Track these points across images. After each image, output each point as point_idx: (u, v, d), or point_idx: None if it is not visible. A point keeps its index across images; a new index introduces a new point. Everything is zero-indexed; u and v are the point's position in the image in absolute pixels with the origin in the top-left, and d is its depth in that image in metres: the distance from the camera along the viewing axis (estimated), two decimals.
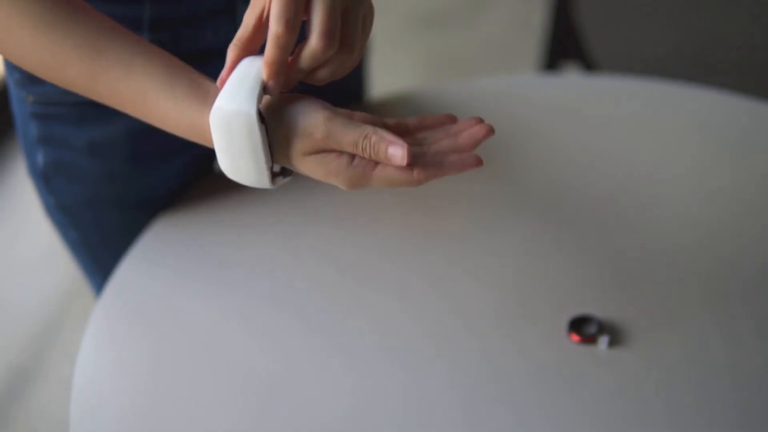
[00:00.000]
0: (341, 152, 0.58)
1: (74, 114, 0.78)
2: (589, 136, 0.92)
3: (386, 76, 2.13)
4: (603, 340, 0.70)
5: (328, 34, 0.57)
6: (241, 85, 0.57)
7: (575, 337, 0.70)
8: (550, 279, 0.76)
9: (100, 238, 0.89)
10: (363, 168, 0.58)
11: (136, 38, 0.63)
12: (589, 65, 1.46)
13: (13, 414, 1.56)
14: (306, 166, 0.59)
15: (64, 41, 0.61)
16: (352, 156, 0.58)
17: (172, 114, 0.61)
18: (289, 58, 0.58)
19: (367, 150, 0.57)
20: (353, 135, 0.57)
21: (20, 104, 0.81)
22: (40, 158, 0.83)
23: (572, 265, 0.77)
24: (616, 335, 0.71)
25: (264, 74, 0.58)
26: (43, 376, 1.62)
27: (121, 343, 0.75)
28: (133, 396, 0.70)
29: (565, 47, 1.61)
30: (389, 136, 0.57)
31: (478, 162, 0.58)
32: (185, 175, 0.87)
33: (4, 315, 1.75)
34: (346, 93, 1.00)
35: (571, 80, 1.09)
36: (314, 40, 0.57)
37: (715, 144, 0.90)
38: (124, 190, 0.85)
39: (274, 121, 0.59)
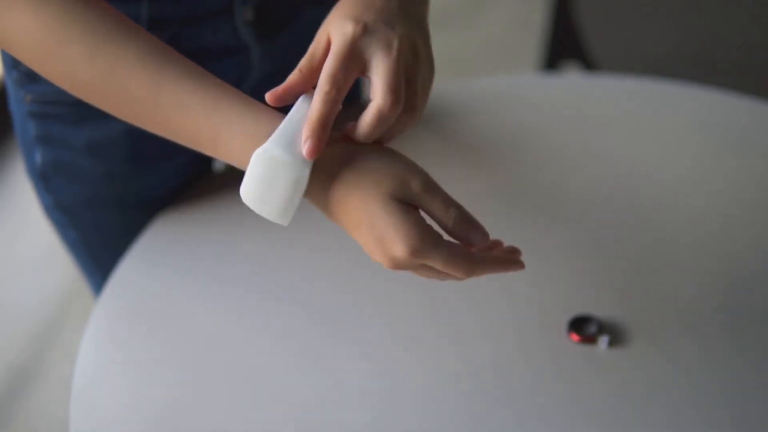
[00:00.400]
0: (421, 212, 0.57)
1: (73, 113, 0.78)
2: (589, 135, 0.92)
3: None
4: (603, 340, 0.70)
5: (394, 93, 0.57)
6: (298, 133, 0.56)
7: (575, 337, 0.70)
8: (550, 279, 0.76)
9: (99, 237, 0.89)
10: (437, 238, 0.56)
11: (189, 63, 0.62)
12: (589, 65, 1.46)
13: (13, 413, 1.56)
14: (380, 213, 0.56)
15: (124, 53, 0.60)
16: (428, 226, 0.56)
17: (222, 135, 0.59)
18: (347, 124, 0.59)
19: (452, 221, 0.57)
20: (448, 198, 0.57)
21: (18, 103, 0.81)
22: (38, 158, 0.83)
23: (572, 264, 0.77)
24: (616, 335, 0.71)
25: (305, 133, 0.56)
26: (43, 376, 1.62)
27: (121, 342, 0.75)
28: (133, 395, 0.70)
29: (565, 47, 1.61)
30: (476, 221, 0.57)
31: (521, 265, 0.59)
32: (185, 174, 0.87)
33: (4, 315, 1.75)
34: None
35: (571, 80, 1.09)
36: (380, 99, 0.57)
37: (715, 144, 0.90)
38: (124, 189, 0.85)
39: (343, 166, 0.57)
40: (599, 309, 0.73)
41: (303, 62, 0.60)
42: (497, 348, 0.71)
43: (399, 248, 0.55)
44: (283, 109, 0.60)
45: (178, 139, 0.61)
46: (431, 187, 0.57)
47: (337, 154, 0.57)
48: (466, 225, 0.58)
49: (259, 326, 0.74)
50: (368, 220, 0.56)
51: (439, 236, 0.57)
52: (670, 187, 0.85)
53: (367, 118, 0.57)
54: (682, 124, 0.93)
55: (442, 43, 2.36)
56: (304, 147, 0.56)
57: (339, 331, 0.73)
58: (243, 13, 0.79)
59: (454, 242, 0.57)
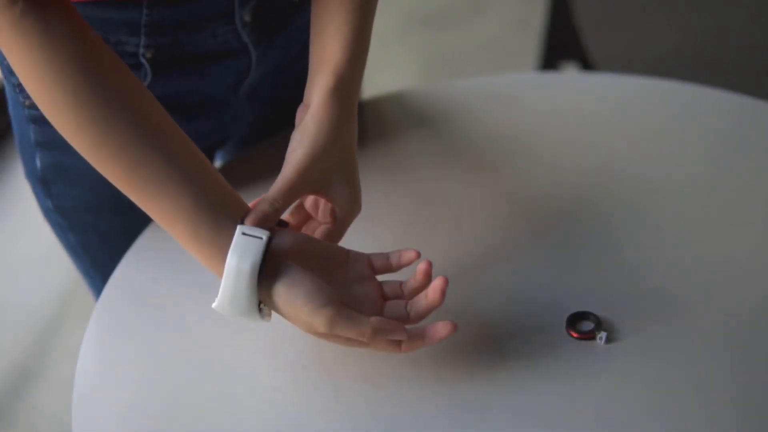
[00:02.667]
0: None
1: None
2: (588, 134, 0.92)
3: (385, 75, 2.13)
4: (601, 337, 0.70)
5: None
6: (237, 291, 0.63)
7: (573, 334, 0.70)
8: (548, 276, 0.76)
9: (98, 241, 0.89)
10: (356, 345, 0.65)
11: (176, 146, 0.66)
12: (588, 65, 1.47)
13: (14, 413, 1.57)
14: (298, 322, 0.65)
15: (105, 139, 0.64)
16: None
17: (193, 250, 0.67)
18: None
19: (366, 342, 0.64)
20: (354, 332, 0.63)
21: (17, 108, 0.81)
22: (38, 162, 0.83)
23: (570, 261, 0.78)
24: (614, 332, 0.71)
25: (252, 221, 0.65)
26: (44, 376, 1.62)
27: (121, 342, 0.75)
28: (133, 395, 0.70)
29: (564, 47, 1.62)
30: (388, 326, 0.63)
31: (453, 328, 0.64)
32: None
33: (4, 315, 1.75)
34: None
35: (570, 78, 1.09)
36: (357, 208, 0.71)
37: (714, 143, 0.91)
38: (122, 192, 0.85)
39: (283, 286, 0.64)
40: (597, 306, 0.73)
41: (271, 193, 0.67)
42: (496, 345, 0.71)
43: (319, 324, 0.63)
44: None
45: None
46: (337, 329, 0.63)
47: (269, 291, 0.65)
48: (383, 342, 0.64)
49: (259, 327, 0.74)
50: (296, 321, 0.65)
51: (351, 312, 0.64)
52: (670, 186, 0.85)
53: (341, 228, 0.71)
54: (682, 123, 0.94)
55: (440, 43, 2.38)
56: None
57: None
58: (242, 15, 0.79)
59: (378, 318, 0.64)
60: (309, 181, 0.68)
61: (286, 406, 0.68)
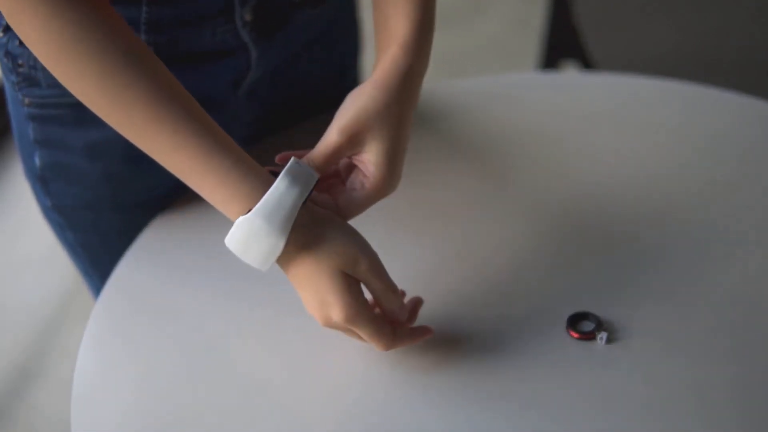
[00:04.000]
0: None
1: (72, 116, 0.78)
2: (587, 133, 0.92)
3: None
4: (601, 337, 0.70)
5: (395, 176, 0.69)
6: (278, 205, 0.62)
7: (574, 334, 0.70)
8: (549, 276, 0.76)
9: (98, 239, 0.89)
10: (370, 313, 0.65)
11: (185, 103, 0.65)
12: (588, 65, 1.47)
13: (13, 413, 1.57)
14: (326, 280, 0.64)
15: (132, 83, 0.63)
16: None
17: (207, 186, 0.65)
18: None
19: (388, 302, 0.66)
20: (388, 282, 0.65)
21: (17, 106, 0.81)
22: (37, 160, 0.83)
23: (570, 261, 0.78)
24: (614, 332, 0.71)
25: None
26: (44, 376, 1.62)
27: (120, 342, 0.75)
28: (133, 395, 0.70)
29: (564, 47, 1.62)
30: (403, 305, 0.68)
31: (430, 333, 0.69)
32: None
33: (4, 315, 1.75)
34: (340, 92, 1.00)
35: (570, 78, 1.09)
36: (390, 186, 0.69)
37: (714, 143, 0.90)
38: (123, 191, 0.85)
39: (308, 236, 0.64)
40: (597, 306, 0.73)
41: (313, 154, 0.67)
42: (496, 345, 0.71)
43: (336, 313, 0.64)
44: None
45: (169, 170, 0.67)
46: (377, 270, 0.65)
47: (306, 225, 0.64)
48: (398, 307, 0.67)
49: (258, 326, 0.74)
50: (315, 283, 0.64)
51: (372, 312, 0.65)
52: (670, 185, 0.85)
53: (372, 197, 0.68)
54: (682, 122, 0.94)
55: (441, 43, 2.36)
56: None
57: (339, 333, 0.73)
58: (242, 14, 0.79)
59: (381, 319, 0.66)
60: (353, 142, 0.67)
61: (287, 406, 0.68)
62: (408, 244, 0.80)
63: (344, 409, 0.67)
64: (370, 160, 0.67)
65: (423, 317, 0.73)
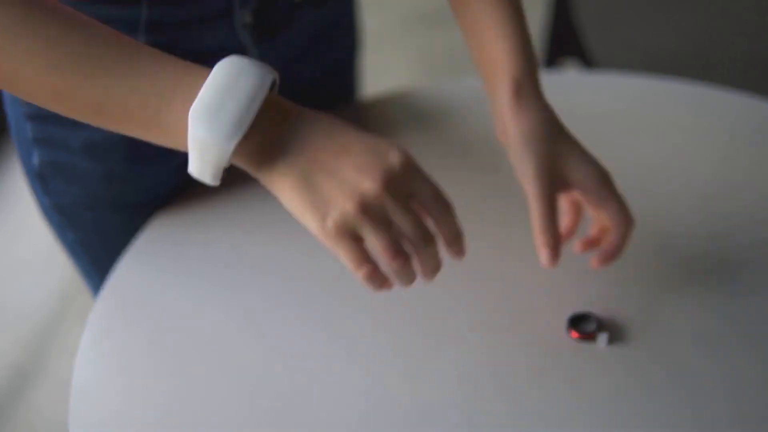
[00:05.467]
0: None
1: None
2: (587, 132, 0.92)
3: (383, 75, 2.13)
4: (602, 338, 0.70)
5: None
6: (222, 104, 0.56)
7: (574, 335, 0.70)
8: (549, 276, 0.76)
9: (97, 238, 0.89)
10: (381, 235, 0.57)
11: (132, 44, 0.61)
12: (588, 63, 1.46)
13: (12, 413, 1.56)
14: (359, 136, 0.57)
15: (57, 39, 0.58)
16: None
17: (162, 105, 0.58)
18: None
19: (438, 206, 0.59)
20: (429, 188, 0.59)
21: (14, 105, 0.81)
22: (35, 159, 0.83)
23: (571, 262, 0.77)
24: (615, 333, 0.71)
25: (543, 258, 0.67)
26: (43, 376, 1.62)
27: (119, 342, 0.75)
28: (132, 395, 0.70)
29: (564, 45, 1.61)
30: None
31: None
32: (183, 175, 0.87)
33: (4, 315, 1.75)
34: (340, 92, 1.00)
35: (570, 77, 1.09)
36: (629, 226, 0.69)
37: (715, 142, 0.90)
38: (122, 190, 0.85)
39: (309, 112, 0.58)
40: (598, 307, 0.73)
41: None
42: (497, 345, 0.71)
43: (395, 155, 0.56)
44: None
45: (125, 129, 0.60)
46: (415, 165, 0.59)
47: (279, 124, 0.57)
48: (453, 222, 0.60)
49: (258, 326, 0.74)
50: (348, 145, 0.56)
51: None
52: (669, 185, 0.85)
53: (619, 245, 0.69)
54: (682, 122, 0.93)
55: (440, 41, 2.38)
56: (542, 255, 0.67)
57: (339, 331, 0.73)
58: (242, 16, 0.79)
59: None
60: (553, 181, 0.67)
61: (287, 405, 0.68)
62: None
63: (344, 409, 0.67)
64: (579, 176, 0.67)
65: (421, 313, 0.73)
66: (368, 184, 0.56)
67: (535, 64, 0.71)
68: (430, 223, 0.60)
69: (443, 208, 0.59)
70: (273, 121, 0.58)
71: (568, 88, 1.00)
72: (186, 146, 0.58)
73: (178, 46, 0.78)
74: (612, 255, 0.69)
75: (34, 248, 1.84)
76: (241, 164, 0.58)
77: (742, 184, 0.85)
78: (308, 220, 0.57)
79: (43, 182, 0.84)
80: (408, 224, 0.57)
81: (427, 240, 0.58)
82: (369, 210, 0.56)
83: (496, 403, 0.67)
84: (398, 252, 0.57)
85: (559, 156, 0.67)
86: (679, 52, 1.42)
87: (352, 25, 0.98)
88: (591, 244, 0.73)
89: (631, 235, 0.69)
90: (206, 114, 0.55)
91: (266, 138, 0.57)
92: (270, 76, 0.58)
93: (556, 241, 0.65)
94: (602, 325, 0.71)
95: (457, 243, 0.60)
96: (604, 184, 0.67)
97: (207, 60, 0.80)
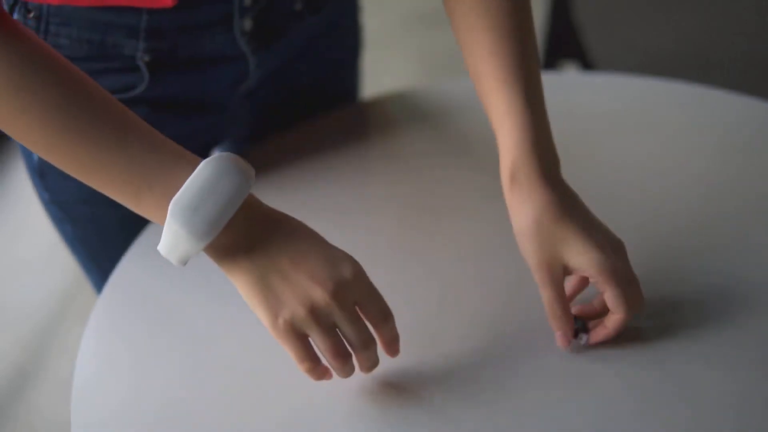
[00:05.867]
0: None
1: None
2: (586, 133, 0.92)
3: (383, 75, 2.13)
4: (582, 338, 0.69)
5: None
6: (202, 202, 0.59)
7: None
8: None
9: (96, 233, 0.89)
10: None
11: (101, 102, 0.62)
12: (587, 64, 1.47)
13: (12, 413, 1.56)
14: (326, 245, 0.63)
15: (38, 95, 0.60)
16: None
17: (143, 189, 0.62)
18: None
19: (382, 318, 0.63)
20: (374, 302, 0.63)
21: None
22: (35, 154, 0.83)
23: None
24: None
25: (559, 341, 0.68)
26: (43, 376, 1.62)
27: (120, 341, 0.75)
28: (133, 394, 0.70)
29: (563, 47, 1.61)
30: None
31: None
32: None
33: (4, 315, 1.75)
34: (339, 91, 1.00)
35: (569, 77, 1.09)
36: (625, 315, 0.66)
37: (715, 143, 0.90)
38: None
39: (302, 227, 0.63)
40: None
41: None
42: (497, 346, 0.71)
43: (347, 267, 0.61)
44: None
45: (107, 194, 0.65)
46: (366, 280, 0.63)
47: (253, 225, 0.62)
48: (393, 333, 0.65)
49: (258, 325, 0.74)
50: (306, 253, 0.61)
51: None
52: (669, 185, 0.85)
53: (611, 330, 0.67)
54: (682, 122, 0.93)
55: (439, 42, 2.37)
56: (557, 339, 0.68)
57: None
58: (242, 23, 0.79)
59: None
60: (555, 269, 0.65)
61: (287, 404, 0.68)
62: (407, 242, 0.80)
63: (343, 407, 0.67)
64: (576, 260, 0.65)
65: (417, 314, 0.73)
66: (319, 293, 0.60)
67: (538, 130, 0.68)
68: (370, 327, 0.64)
69: (383, 316, 0.63)
70: (245, 223, 0.62)
71: (567, 89, 1.00)
72: (162, 224, 0.61)
73: (177, 51, 0.78)
74: (601, 339, 0.68)
75: (34, 248, 1.84)
76: (208, 253, 0.62)
77: (742, 184, 0.85)
78: (261, 315, 0.62)
79: (42, 178, 0.85)
80: (351, 331, 0.62)
81: (366, 344, 0.63)
82: (317, 315, 0.61)
83: (497, 404, 0.67)
84: (339, 353, 0.62)
85: (559, 244, 0.65)
86: (679, 52, 1.42)
87: (354, 25, 0.98)
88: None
89: (629, 320, 0.66)
90: (185, 210, 0.59)
91: (236, 238, 0.61)
92: (251, 181, 0.61)
93: (568, 326, 0.67)
94: (586, 327, 0.70)
95: (392, 346, 0.65)
96: (602, 272, 0.65)
97: (205, 65, 0.80)
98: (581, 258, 0.65)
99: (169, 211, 0.59)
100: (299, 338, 0.62)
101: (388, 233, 0.81)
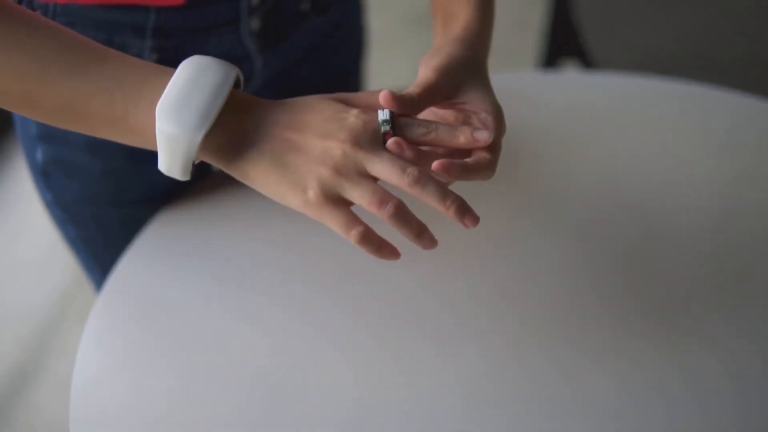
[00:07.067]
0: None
1: None
2: (587, 132, 0.92)
3: (383, 75, 2.13)
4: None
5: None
6: (187, 100, 0.58)
7: None
8: (550, 276, 0.76)
9: (98, 234, 0.89)
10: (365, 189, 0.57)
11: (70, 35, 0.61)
12: (588, 63, 1.46)
13: (13, 413, 1.56)
14: (325, 99, 0.60)
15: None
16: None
17: (129, 107, 0.60)
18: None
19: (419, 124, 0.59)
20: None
21: None
22: (39, 155, 0.83)
23: (569, 260, 0.78)
24: (615, 330, 0.71)
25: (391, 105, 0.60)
26: (43, 376, 1.62)
27: (120, 341, 0.75)
28: (133, 394, 0.70)
29: (564, 46, 1.61)
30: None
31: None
32: None
33: (4, 315, 1.75)
34: (343, 92, 1.00)
35: (570, 77, 1.09)
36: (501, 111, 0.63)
37: (715, 142, 0.90)
38: (123, 187, 0.85)
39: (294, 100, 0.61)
40: (597, 305, 0.73)
41: (409, 92, 0.61)
42: (498, 345, 0.71)
43: (354, 115, 0.58)
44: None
45: (91, 130, 0.62)
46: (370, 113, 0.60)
47: (237, 114, 0.59)
48: (450, 130, 0.60)
49: (259, 322, 0.74)
50: (309, 119, 0.59)
51: None
52: (669, 185, 0.85)
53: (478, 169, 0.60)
54: (682, 122, 0.93)
55: None
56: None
57: (340, 330, 0.73)
58: (250, 23, 0.79)
59: None
60: (450, 84, 0.63)
61: (288, 403, 0.68)
62: (408, 242, 0.80)
63: (343, 405, 0.67)
64: (477, 98, 0.62)
65: (419, 313, 0.73)
66: (335, 146, 0.57)
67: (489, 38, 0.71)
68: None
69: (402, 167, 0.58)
70: (238, 114, 0.60)
71: (568, 88, 1.00)
72: (154, 144, 0.59)
73: (183, 51, 0.78)
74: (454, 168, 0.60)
75: (34, 248, 1.84)
76: (212, 160, 0.60)
77: (742, 184, 0.85)
78: (290, 198, 0.58)
79: (45, 178, 0.85)
80: (386, 165, 0.57)
81: (410, 170, 0.57)
82: (344, 169, 0.57)
83: (498, 404, 0.67)
84: (384, 198, 0.57)
85: (468, 74, 0.64)
86: (679, 52, 1.42)
87: (358, 27, 0.98)
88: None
89: (490, 167, 0.61)
90: (173, 108, 0.57)
91: (233, 130, 0.59)
92: (233, 71, 0.59)
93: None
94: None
95: (456, 134, 0.59)
96: (495, 111, 0.63)
97: None
98: (484, 94, 0.63)
99: (156, 114, 0.57)
100: (337, 205, 0.57)
101: (390, 228, 0.81)
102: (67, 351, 1.64)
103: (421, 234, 0.59)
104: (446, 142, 0.59)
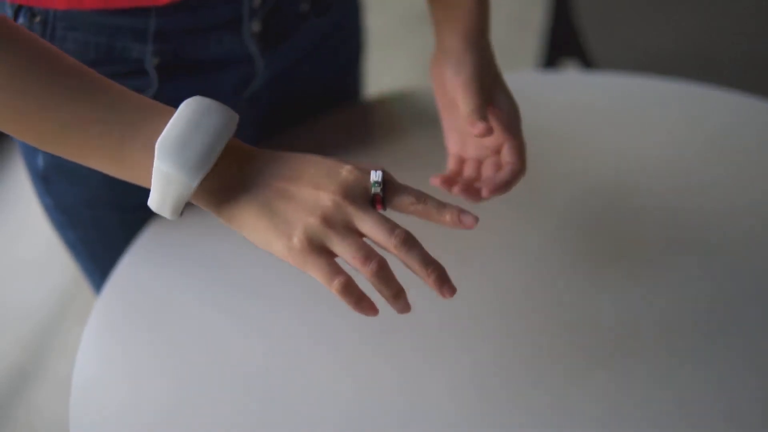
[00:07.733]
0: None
1: None
2: (587, 132, 0.92)
3: (384, 74, 2.13)
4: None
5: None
6: (186, 142, 0.57)
7: None
8: (550, 277, 0.76)
9: (98, 238, 0.89)
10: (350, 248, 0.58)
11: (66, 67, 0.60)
12: (588, 63, 1.46)
13: (12, 413, 1.56)
14: (318, 157, 0.60)
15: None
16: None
17: (125, 142, 0.59)
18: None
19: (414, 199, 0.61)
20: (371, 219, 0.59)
21: None
22: (40, 161, 0.83)
23: (569, 260, 0.78)
24: (617, 330, 0.71)
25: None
26: (43, 376, 1.62)
27: (120, 342, 0.75)
28: (132, 394, 0.70)
29: (564, 46, 1.61)
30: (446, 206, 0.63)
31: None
32: None
33: (4, 315, 1.75)
34: (343, 92, 1.00)
35: (570, 77, 1.09)
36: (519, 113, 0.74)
37: (715, 142, 0.90)
38: (124, 192, 0.85)
39: (286, 154, 0.61)
40: (599, 306, 0.72)
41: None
42: (498, 346, 0.71)
43: (347, 169, 0.59)
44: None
45: (84, 159, 0.61)
46: (364, 170, 0.61)
47: (236, 162, 0.60)
48: (437, 205, 0.62)
49: (258, 326, 0.74)
50: (302, 170, 0.59)
51: None
52: (669, 185, 0.85)
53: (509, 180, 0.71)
54: (682, 122, 0.93)
55: None
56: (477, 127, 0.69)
57: (338, 333, 0.73)
58: (251, 25, 0.79)
59: None
60: (486, 98, 0.71)
61: (288, 404, 0.68)
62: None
63: (342, 408, 0.67)
64: (501, 104, 0.73)
65: (419, 315, 0.73)
66: (326, 197, 0.57)
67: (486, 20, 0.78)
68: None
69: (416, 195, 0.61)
70: (235, 162, 0.60)
71: (568, 88, 1.00)
72: (146, 180, 0.59)
73: (186, 54, 0.77)
74: (502, 187, 0.70)
75: (34, 248, 1.84)
76: (202, 203, 0.60)
77: (741, 184, 0.85)
78: (274, 244, 0.58)
79: (46, 183, 0.84)
80: (373, 223, 0.58)
81: (395, 230, 0.58)
82: (332, 220, 0.57)
83: (497, 405, 0.67)
84: (368, 255, 0.57)
85: (492, 80, 0.73)
86: (679, 52, 1.42)
87: (357, 27, 0.98)
88: (450, 181, 0.73)
89: (520, 177, 0.71)
90: (173, 147, 0.57)
91: (228, 178, 0.59)
92: (235, 116, 0.59)
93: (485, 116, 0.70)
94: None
95: (443, 211, 0.61)
96: (519, 118, 0.73)
97: (213, 67, 0.80)
98: (509, 100, 0.73)
99: (156, 152, 0.56)
100: (321, 254, 0.57)
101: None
102: (67, 351, 1.64)
103: (398, 296, 0.59)
104: (432, 217, 0.61)
